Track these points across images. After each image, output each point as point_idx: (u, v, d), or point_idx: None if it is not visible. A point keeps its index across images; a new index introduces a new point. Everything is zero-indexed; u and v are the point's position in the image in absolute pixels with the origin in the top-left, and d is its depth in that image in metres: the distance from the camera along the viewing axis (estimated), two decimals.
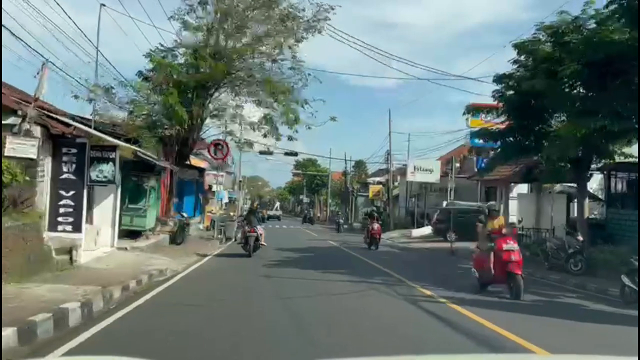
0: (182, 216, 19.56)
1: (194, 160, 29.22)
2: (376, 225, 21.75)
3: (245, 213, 22.54)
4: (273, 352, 5.85)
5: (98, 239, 13.59)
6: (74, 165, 11.21)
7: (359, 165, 64.82)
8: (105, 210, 14.53)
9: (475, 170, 26.09)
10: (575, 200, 19.11)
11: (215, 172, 26.28)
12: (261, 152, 46.68)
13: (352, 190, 52.79)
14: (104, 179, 11.52)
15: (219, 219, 23.85)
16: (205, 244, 20.03)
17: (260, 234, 16.32)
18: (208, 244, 20.32)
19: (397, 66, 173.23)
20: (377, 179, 57.63)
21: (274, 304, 8.66)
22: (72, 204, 11.09)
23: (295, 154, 45.85)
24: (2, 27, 11.33)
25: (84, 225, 11.42)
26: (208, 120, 22.02)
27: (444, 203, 33.47)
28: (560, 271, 14.76)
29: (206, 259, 15.89)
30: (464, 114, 19.61)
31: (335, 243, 24.87)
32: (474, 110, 17.62)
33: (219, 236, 22.16)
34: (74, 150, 11.22)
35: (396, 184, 45.20)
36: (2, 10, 10.37)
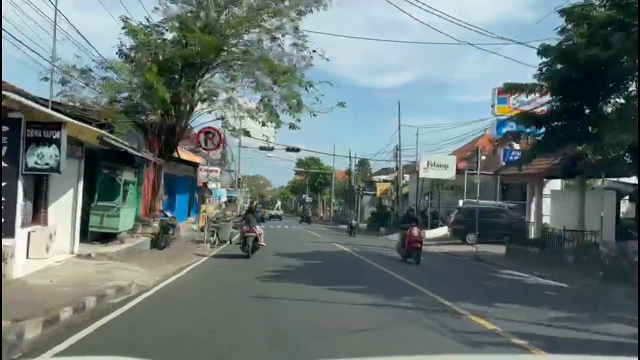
0: (166, 215, 16.74)
1: (187, 155, 26.45)
2: (416, 231, 16.09)
3: (243, 212, 21.10)
4: None
5: (51, 244, 10.81)
6: (4, 149, 8.42)
7: (363, 164, 62.00)
8: (63, 208, 11.74)
9: (502, 164, 23.14)
10: (627, 198, 16.37)
11: (207, 167, 23.47)
12: (261, 148, 44.07)
13: (358, 188, 49.91)
14: (45, 167, 8.75)
15: (212, 219, 21.05)
16: (193, 248, 17.22)
17: (260, 234, 15.56)
18: (197, 248, 17.51)
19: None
20: (383, 177, 54.79)
21: (267, 351, 5.79)
22: (2, 199, 8.30)
23: (298, 150, 43.16)
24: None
25: (18, 228, 8.62)
26: (199, 107, 19.22)
27: (460, 202, 30.65)
28: (621, 282, 11.92)
29: (189, 267, 13.09)
30: (500, 92, 16.92)
31: (345, 247, 21.94)
32: (512, 88, 14.71)
33: (211, 238, 19.35)
34: (4, 129, 8.43)
35: (404, 181, 42.37)
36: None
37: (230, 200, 53.42)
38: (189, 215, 32.46)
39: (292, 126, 18.48)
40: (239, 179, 46.10)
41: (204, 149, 18.02)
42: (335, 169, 70.03)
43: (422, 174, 30.63)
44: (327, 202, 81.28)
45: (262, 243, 15.69)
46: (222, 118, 18.72)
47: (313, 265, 14.89)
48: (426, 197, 30.77)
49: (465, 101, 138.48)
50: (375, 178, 57.49)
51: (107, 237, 14.17)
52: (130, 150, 13.56)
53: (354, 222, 33.72)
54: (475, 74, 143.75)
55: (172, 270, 12.06)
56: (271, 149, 44.04)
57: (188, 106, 18.24)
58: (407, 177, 43.72)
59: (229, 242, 21.12)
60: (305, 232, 38.07)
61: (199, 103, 18.59)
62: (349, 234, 31.82)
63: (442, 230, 30.26)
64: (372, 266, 15.21)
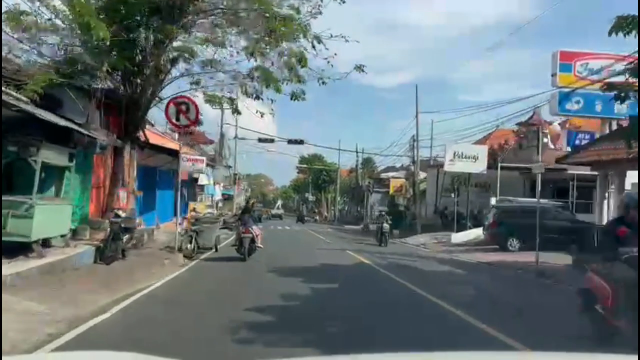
0: (118, 216, 11.98)
1: (164, 140, 21.81)
2: None
3: (239, 212, 19.55)
4: None
5: None
6: None
7: (367, 163, 57.36)
8: None
9: (568, 149, 18.33)
10: None
11: (190, 156, 18.77)
12: (260, 140, 39.47)
13: (368, 184, 45.15)
14: None
15: (191, 219, 16.43)
16: (159, 261, 12.55)
17: (257, 235, 14.58)
18: (165, 260, 12.83)
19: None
20: (392, 174, 50.08)
21: None
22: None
23: (301, 142, 38.39)
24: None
25: None
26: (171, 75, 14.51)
27: (492, 200, 25.91)
28: None
29: (138, 295, 8.40)
30: (563, 57, 12.18)
31: (360, 256, 17.08)
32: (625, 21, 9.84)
33: (188, 246, 14.66)
34: None
35: (420, 177, 37.71)
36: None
37: (228, 199, 48.89)
38: (176, 215, 27.87)
39: (294, 96, 13.79)
40: (235, 174, 41.33)
41: (175, 125, 13.29)
42: (340, 166, 65.54)
43: (447, 167, 25.85)
44: (332, 201, 76.71)
45: (260, 245, 14.62)
46: (197, 83, 14.00)
47: (329, 295, 10.01)
48: (452, 195, 25.99)
49: (465, 100, 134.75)
50: (383, 175, 52.79)
51: (21, 249, 9.47)
52: (43, 115, 8.84)
53: (385, 226, 23.04)
54: (476, 73, 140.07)
55: (100, 305, 7.36)
56: (271, 140, 39.38)
57: (156, 70, 13.53)
58: (422, 174, 39.03)
59: (214, 250, 16.58)
60: (308, 234, 33.38)
61: (172, 66, 13.89)
62: (377, 243, 23.02)
63: (471, 234, 25.52)
64: (419, 296, 10.36)
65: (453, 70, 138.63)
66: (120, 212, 12.17)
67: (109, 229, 11.60)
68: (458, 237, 25.33)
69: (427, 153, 37.98)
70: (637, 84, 10.06)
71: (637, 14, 9.36)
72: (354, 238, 29.61)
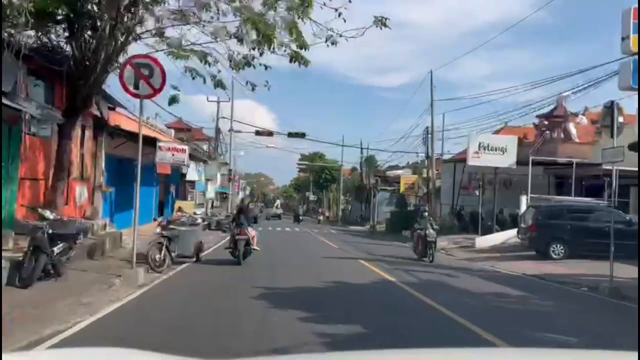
0: (44, 218, 8.44)
1: (151, 131, 18.36)
2: None
3: (234, 212, 18.31)
4: None
5: None
6: None
7: (370, 162, 53.84)
8: None
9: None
10: None
11: (170, 144, 15.36)
12: (258, 133, 36.04)
13: (375, 182, 41.65)
14: None
15: (162, 222, 13.00)
16: (108, 280, 9.07)
17: (253, 237, 13.57)
18: (117, 279, 9.32)
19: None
20: (400, 172, 46.59)
21: None
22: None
23: (303, 135, 34.97)
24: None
25: None
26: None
27: (523, 199, 22.44)
28: None
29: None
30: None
31: (383, 272, 13.36)
32: None
33: (157, 256, 11.16)
34: None
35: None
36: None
37: (223, 197, 45.42)
38: (161, 215, 24.39)
39: (293, 58, 10.26)
40: (231, 170, 37.75)
41: (133, 94, 9.73)
42: (343, 165, 62.13)
43: (471, 161, 22.31)
44: (334, 200, 73.29)
45: (255, 247, 13.74)
46: (161, 35, 10.45)
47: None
48: (477, 192, 22.43)
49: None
50: (389, 173, 49.29)
51: None
52: None
53: (431, 232, 16.03)
54: (477, 73, 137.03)
55: None
56: (270, 133, 35.92)
57: (112, 23, 10.03)
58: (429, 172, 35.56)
59: (196, 259, 13.30)
60: (310, 236, 29.90)
61: (134, 17, 10.35)
62: (418, 256, 16.56)
63: (500, 237, 22.03)
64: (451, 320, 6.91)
65: (455, 70, 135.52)
66: (47, 213, 8.60)
67: (29, 241, 8.07)
68: (483, 241, 21.88)
69: (438, 150, 34.51)
70: None
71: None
72: (364, 242, 26.12)
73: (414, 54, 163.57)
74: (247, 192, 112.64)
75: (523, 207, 22.20)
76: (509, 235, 22.11)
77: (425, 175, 31.89)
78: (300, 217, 50.66)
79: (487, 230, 22.61)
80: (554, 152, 25.82)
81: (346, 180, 63.89)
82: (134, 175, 20.88)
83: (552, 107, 26.67)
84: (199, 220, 16.44)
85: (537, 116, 27.75)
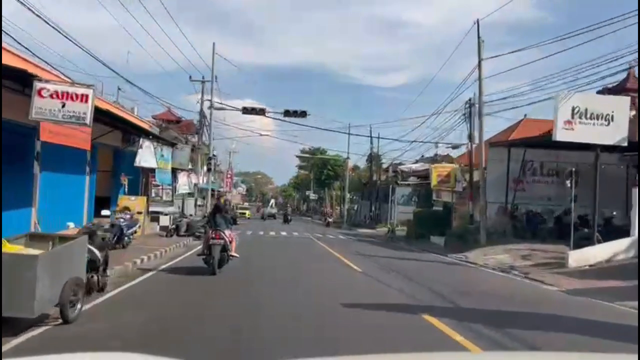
0: None
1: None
2: None
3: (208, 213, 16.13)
4: None
5: None
6: None
7: (374, 160, 46.34)
8: None
9: None
10: None
11: (53, 84, 7.77)
12: (245, 111, 28.40)
13: (395, 174, 33.89)
14: None
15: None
16: None
17: (231, 241, 12.01)
18: None
19: None
20: (414, 166, 38.91)
21: None
22: None
23: (303, 114, 27.31)
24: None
25: None
26: None
27: (634, 192, 14.74)
28: None
29: None
30: None
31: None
32: None
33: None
34: None
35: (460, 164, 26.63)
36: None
37: (221, 196, 37.54)
38: (98, 215, 16.70)
39: None
40: (210, 157, 29.81)
41: None
42: (343, 163, 54.53)
43: (561, 135, 14.39)
44: (337, 199, 65.81)
45: (234, 253, 12.05)
46: None
47: None
48: (567, 184, 14.58)
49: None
50: (406, 167, 41.48)
51: None
52: None
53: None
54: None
55: None
56: (262, 112, 28.30)
57: None
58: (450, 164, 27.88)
59: (61, 320, 5.63)
60: (313, 246, 22.23)
61: None
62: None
63: (604, 251, 14.36)
64: None
65: (455, 70, 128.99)
66: None
67: None
68: (580, 256, 14.22)
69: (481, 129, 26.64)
70: None
71: None
72: (392, 255, 18.46)
73: (414, 54, 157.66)
74: (244, 192, 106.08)
75: (636, 208, 14.67)
76: (616, 248, 14.55)
77: (464, 165, 24.18)
78: (289, 217, 47.91)
79: (588, 242, 15.00)
80: (632, 133, 18.29)
81: (351, 178, 56.29)
82: (36, 155, 13.13)
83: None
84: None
85: (598, 91, 20.01)
